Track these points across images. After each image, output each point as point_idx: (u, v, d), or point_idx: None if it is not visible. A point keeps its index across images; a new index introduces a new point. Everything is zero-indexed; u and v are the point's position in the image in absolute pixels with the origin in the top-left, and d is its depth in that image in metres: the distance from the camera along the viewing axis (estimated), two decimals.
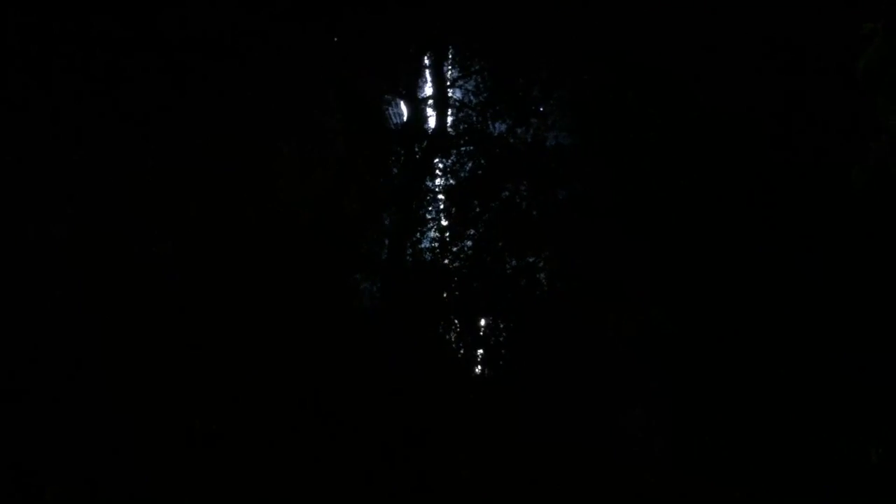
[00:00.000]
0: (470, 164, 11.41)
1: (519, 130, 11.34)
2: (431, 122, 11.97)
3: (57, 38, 7.59)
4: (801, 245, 7.73)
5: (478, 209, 11.21)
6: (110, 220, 7.81)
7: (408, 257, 11.12)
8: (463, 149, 11.48)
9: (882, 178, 5.93)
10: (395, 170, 11.41)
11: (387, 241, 11.18)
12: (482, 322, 10.99)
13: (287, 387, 8.70)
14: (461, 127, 11.61)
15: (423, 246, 11.21)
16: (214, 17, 8.21)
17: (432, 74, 11.93)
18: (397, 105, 11.81)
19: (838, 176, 6.72)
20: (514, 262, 10.93)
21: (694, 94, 8.50)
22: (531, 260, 10.86)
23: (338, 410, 8.92)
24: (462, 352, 10.81)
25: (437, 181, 11.57)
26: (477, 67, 11.69)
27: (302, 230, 9.45)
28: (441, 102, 11.77)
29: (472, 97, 11.69)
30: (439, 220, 11.32)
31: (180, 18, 7.96)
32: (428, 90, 12.01)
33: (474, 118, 11.55)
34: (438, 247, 11.12)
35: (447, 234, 11.15)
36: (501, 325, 10.87)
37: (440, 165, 11.53)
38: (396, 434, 9.21)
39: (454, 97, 11.84)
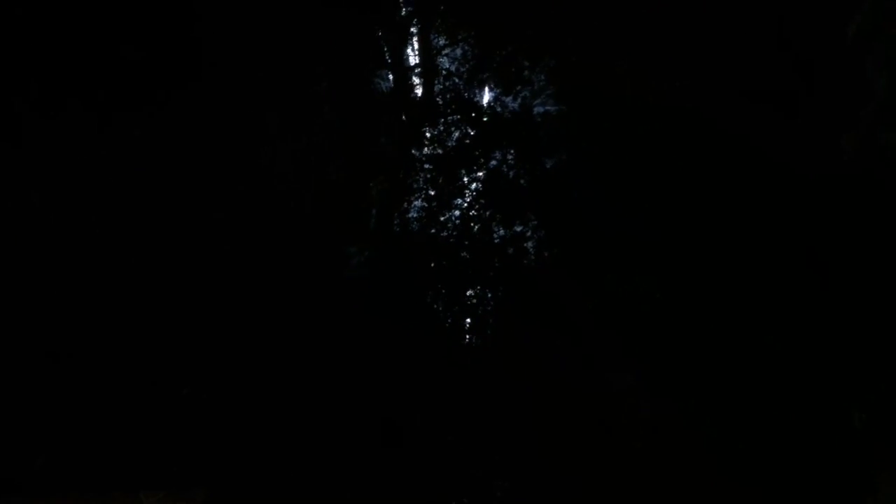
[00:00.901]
0: (457, 133, 11.36)
1: (506, 99, 11.29)
2: (418, 91, 11.90)
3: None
4: (791, 214, 7.77)
5: (465, 178, 11.19)
6: (90, 188, 7.73)
7: (395, 227, 11.10)
8: (450, 118, 11.41)
9: (871, 143, 5.98)
10: (382, 139, 11.34)
11: (374, 211, 11.14)
12: (469, 291, 11.01)
13: (275, 358, 8.70)
14: (448, 96, 11.53)
15: (410, 215, 11.17)
16: None
17: (419, 42, 11.83)
18: (384, 74, 11.71)
19: (829, 142, 6.77)
20: (501, 231, 10.93)
21: (683, 59, 8.47)
22: (519, 229, 10.86)
23: (326, 380, 8.94)
24: (450, 321, 10.83)
25: (424, 150, 11.50)
26: (463, 35, 11.59)
27: (288, 198, 9.40)
28: (428, 71, 11.69)
29: (459, 66, 11.60)
30: (427, 189, 11.26)
31: None
32: (414, 59, 11.91)
33: (461, 87, 11.47)
34: (426, 216, 11.09)
35: (434, 203, 11.11)
36: (489, 294, 10.90)
37: (427, 134, 11.46)
38: (386, 403, 9.25)
39: (441, 66, 11.75)
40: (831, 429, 7.73)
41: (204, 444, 7.99)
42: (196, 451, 7.93)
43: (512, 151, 11.09)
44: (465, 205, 11.16)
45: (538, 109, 11.17)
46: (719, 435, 8.14)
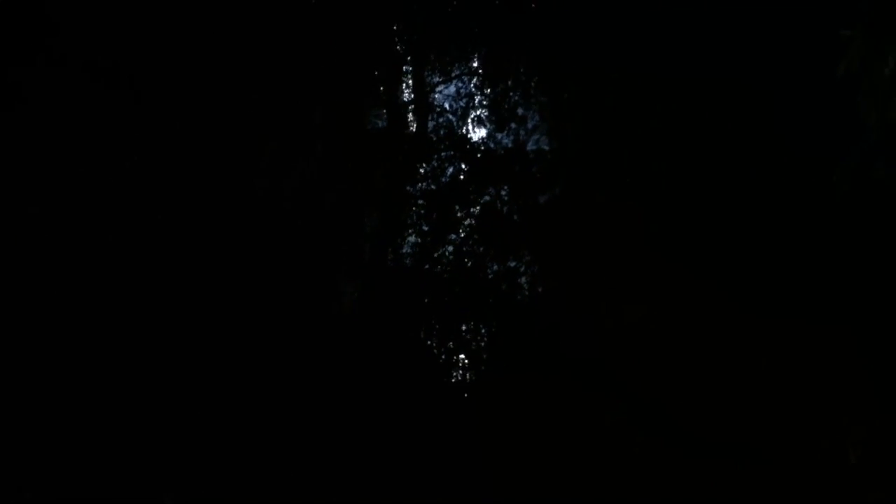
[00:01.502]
0: (451, 169, 11.44)
1: (499, 135, 11.41)
2: (412, 127, 11.98)
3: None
4: (784, 248, 7.85)
5: (459, 214, 11.23)
6: (85, 213, 7.72)
7: (389, 262, 11.10)
8: (444, 154, 11.49)
9: (864, 177, 6.06)
10: (376, 174, 11.38)
11: (367, 246, 11.15)
12: (463, 327, 10.98)
13: (264, 390, 8.64)
14: (442, 132, 11.64)
15: (404, 251, 11.19)
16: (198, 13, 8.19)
17: (413, 79, 11.95)
18: (378, 109, 11.81)
19: (822, 177, 6.86)
20: (495, 267, 10.95)
21: (674, 97, 8.60)
22: (512, 264, 10.89)
23: (316, 415, 8.87)
24: (443, 357, 10.79)
25: (418, 186, 11.56)
26: (457, 72, 11.75)
27: (281, 230, 9.41)
28: (421, 107, 11.79)
29: (452, 102, 11.73)
30: (420, 224, 11.29)
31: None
32: (409, 95, 12.03)
33: (455, 123, 11.59)
34: (420, 251, 11.11)
35: (428, 238, 11.14)
36: (483, 330, 10.88)
37: (421, 170, 11.53)
38: (376, 439, 9.18)
39: (435, 102, 11.87)
40: (826, 463, 7.72)
41: (194, 477, 7.91)
42: (186, 483, 7.85)
43: (505, 187, 11.17)
44: (459, 240, 11.18)
45: (531, 147, 11.29)
46: (713, 465, 8.11)
